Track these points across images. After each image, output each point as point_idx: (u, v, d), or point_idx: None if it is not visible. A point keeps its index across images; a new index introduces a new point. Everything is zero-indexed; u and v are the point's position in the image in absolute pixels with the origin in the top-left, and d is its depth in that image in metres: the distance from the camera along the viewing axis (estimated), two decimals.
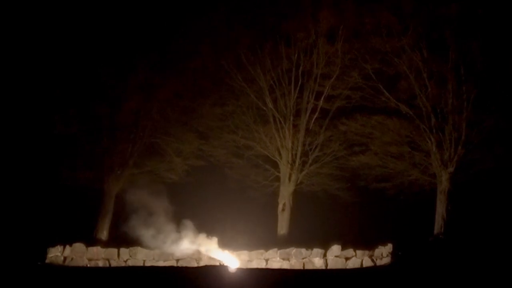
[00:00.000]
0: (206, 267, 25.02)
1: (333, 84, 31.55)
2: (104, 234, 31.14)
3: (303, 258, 27.69)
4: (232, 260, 27.97)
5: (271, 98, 32.35)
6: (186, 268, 25.74)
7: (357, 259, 26.91)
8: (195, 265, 27.14)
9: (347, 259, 27.08)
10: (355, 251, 27.09)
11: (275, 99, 32.41)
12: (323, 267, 27.06)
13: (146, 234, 29.11)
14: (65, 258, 28.01)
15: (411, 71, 28.96)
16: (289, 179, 32.17)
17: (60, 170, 30.84)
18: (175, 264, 27.64)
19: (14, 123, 31.50)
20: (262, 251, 28.37)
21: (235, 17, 32.16)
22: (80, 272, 24.92)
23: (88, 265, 27.70)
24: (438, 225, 28.26)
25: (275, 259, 27.99)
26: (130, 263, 28.02)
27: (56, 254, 28.02)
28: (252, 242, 29.10)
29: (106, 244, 29.81)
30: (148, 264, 27.88)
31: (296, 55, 31.91)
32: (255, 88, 32.43)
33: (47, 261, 27.67)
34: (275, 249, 28.22)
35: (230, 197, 33.20)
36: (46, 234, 29.00)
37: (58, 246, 28.18)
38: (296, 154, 32.25)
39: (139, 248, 28.46)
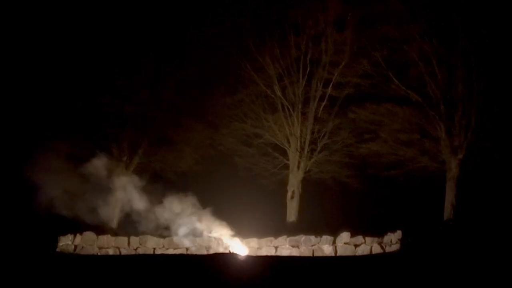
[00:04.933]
0: (215, 254, 25.07)
1: (342, 72, 31.51)
2: (114, 223, 31.26)
3: (312, 245, 27.68)
4: (241, 248, 28.05)
5: (279, 86, 32.38)
6: (196, 256, 25.78)
7: (367, 246, 26.86)
8: (205, 253, 27.21)
9: (356, 246, 27.04)
10: (364, 238, 27.05)
11: (283, 87, 32.41)
12: (333, 254, 27.03)
13: (155, 222, 29.23)
14: (75, 247, 28.18)
15: (421, 59, 28.87)
16: (298, 166, 32.21)
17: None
18: (185, 252, 27.72)
19: (30, 114, 31.70)
20: (271, 238, 28.37)
21: (243, 6, 32.12)
22: (90, 260, 24.99)
23: (99, 254, 27.82)
24: (447, 212, 28.28)
25: (285, 247, 27.99)
26: (140, 251, 28.08)
27: (66, 242, 28.23)
28: (262, 230, 29.08)
29: (116, 233, 29.95)
30: (158, 252, 27.95)
31: (304, 43, 31.89)
32: (264, 76, 32.43)
33: (58, 249, 27.86)
34: (285, 237, 28.21)
35: (240, 185, 33.19)
36: (57, 223, 29.13)
37: (69, 235, 28.36)
38: (305, 142, 32.28)
39: (149, 236, 28.52)
